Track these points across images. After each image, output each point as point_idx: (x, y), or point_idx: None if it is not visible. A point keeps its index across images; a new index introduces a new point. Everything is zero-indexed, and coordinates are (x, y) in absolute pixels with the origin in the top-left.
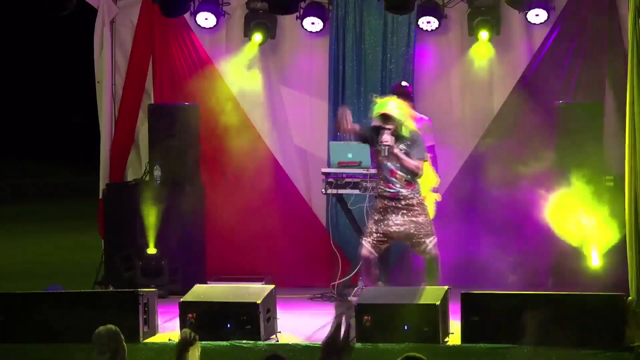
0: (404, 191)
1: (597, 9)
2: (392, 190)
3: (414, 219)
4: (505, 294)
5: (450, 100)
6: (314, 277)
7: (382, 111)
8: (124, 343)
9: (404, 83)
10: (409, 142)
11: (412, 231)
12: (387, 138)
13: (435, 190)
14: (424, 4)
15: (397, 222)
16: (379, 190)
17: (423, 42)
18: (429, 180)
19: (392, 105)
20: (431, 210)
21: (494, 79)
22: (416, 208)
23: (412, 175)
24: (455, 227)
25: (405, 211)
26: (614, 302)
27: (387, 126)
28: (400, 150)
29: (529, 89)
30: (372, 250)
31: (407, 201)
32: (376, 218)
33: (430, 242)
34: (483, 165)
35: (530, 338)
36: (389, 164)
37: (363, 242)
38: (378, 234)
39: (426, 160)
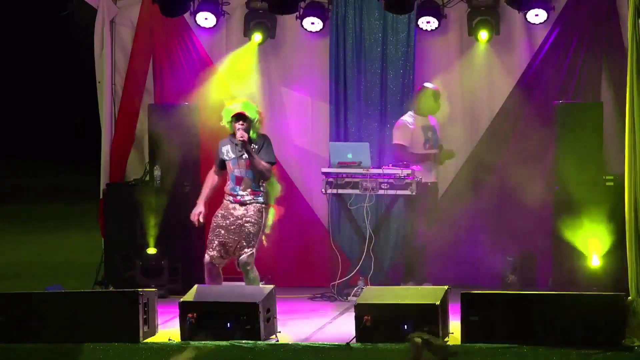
0: (248, 197)
1: (597, 9)
2: (233, 198)
3: (244, 228)
4: (505, 294)
5: (450, 100)
6: (314, 277)
7: (239, 111)
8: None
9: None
10: (256, 146)
11: (236, 238)
12: (242, 133)
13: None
14: (423, 3)
15: (230, 230)
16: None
17: (423, 42)
18: (274, 190)
19: (246, 107)
20: (270, 221)
21: (494, 79)
22: (250, 217)
23: (261, 178)
24: (456, 227)
25: (240, 221)
26: (614, 302)
27: (240, 124)
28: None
29: (529, 89)
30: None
31: (246, 209)
32: (214, 225)
33: (246, 253)
34: (483, 165)
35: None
36: (236, 172)
37: (205, 254)
38: (217, 245)
39: (274, 164)
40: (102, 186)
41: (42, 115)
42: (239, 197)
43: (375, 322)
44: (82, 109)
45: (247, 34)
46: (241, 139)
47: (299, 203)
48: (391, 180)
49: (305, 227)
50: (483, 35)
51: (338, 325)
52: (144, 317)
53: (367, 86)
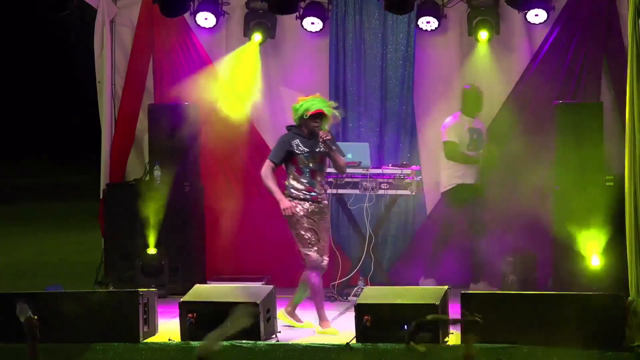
0: (321, 191)
1: (597, 9)
2: (313, 194)
3: (328, 224)
4: (505, 294)
5: (450, 100)
6: None
7: (319, 110)
8: None
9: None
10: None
11: (323, 236)
12: (326, 133)
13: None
14: (423, 3)
15: (325, 227)
16: (296, 196)
17: (423, 42)
18: None
19: (324, 105)
20: None
21: (493, 79)
22: (327, 215)
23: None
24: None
25: (322, 217)
26: (614, 302)
27: (316, 122)
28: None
29: (529, 89)
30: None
31: (324, 205)
32: (308, 226)
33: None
34: (483, 164)
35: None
36: (311, 165)
37: (310, 253)
38: (318, 240)
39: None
40: (102, 186)
41: (42, 115)
42: (315, 193)
43: (375, 322)
44: (82, 109)
45: (247, 34)
46: (327, 138)
47: None
48: (391, 180)
49: None
50: (483, 35)
51: (338, 325)
52: (144, 317)
53: (367, 86)
